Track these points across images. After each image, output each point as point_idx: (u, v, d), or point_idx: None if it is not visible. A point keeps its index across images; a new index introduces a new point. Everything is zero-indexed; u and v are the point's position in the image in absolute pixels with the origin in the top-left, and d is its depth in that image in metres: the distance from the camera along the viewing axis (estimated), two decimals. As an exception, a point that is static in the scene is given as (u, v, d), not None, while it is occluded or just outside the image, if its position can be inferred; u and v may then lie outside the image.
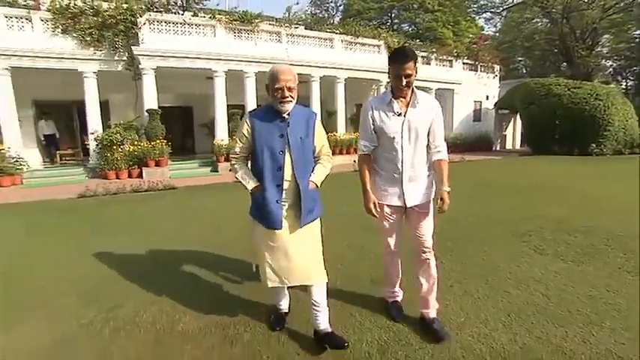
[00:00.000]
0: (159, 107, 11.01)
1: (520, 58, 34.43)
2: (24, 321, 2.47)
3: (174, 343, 2.20)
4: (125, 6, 10.55)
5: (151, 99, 10.84)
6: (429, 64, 16.43)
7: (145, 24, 10.44)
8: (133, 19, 10.43)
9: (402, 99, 2.17)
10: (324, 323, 2.16)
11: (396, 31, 34.29)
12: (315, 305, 2.15)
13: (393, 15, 35.71)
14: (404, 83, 2.06)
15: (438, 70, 16.82)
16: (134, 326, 2.38)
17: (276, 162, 2.04)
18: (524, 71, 34.82)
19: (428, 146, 2.24)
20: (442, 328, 2.22)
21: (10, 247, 4.23)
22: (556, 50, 26.74)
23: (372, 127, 2.22)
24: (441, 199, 2.14)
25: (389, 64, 2.14)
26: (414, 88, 2.16)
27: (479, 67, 18.34)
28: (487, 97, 18.65)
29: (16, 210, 6.40)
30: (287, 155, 2.05)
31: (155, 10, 10.78)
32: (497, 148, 19.26)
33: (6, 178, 9.18)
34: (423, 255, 2.27)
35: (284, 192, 2.08)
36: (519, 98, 15.44)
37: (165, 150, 10.64)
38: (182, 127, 15.31)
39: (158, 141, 10.59)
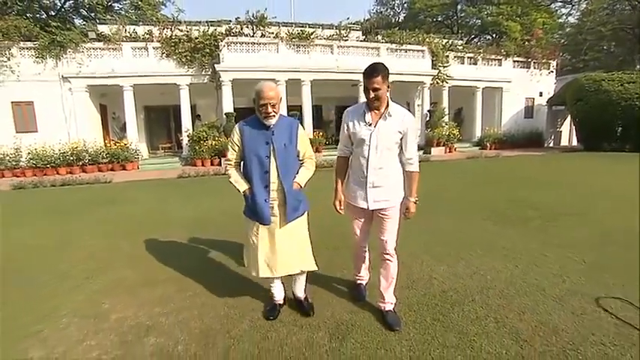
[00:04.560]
0: (234, 109, 13.84)
1: (604, 47, 31.56)
2: (148, 236, 4.78)
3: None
4: (210, 32, 13.56)
5: (228, 104, 13.73)
6: (476, 64, 17.10)
7: (224, 46, 13.34)
8: (215, 42, 13.43)
9: (375, 110, 2.30)
10: (299, 291, 2.63)
11: (462, 26, 33.86)
12: (295, 280, 2.62)
13: (458, 10, 34.84)
14: (372, 96, 2.21)
15: (485, 70, 17.34)
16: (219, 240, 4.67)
17: (263, 166, 2.30)
18: (595, 64, 31.84)
19: (401, 157, 2.38)
20: (394, 320, 2.44)
21: (144, 203, 6.98)
22: (635, 40, 24.51)
23: (347, 133, 2.42)
24: (407, 208, 2.34)
25: (363, 78, 2.25)
26: (390, 102, 2.29)
27: (531, 64, 18.28)
28: (540, 94, 18.48)
29: (141, 184, 9.50)
30: (272, 160, 2.30)
31: (232, 34, 13.58)
32: (550, 145, 18.99)
33: (129, 164, 12.77)
34: (385, 256, 2.46)
35: (271, 192, 2.32)
36: (570, 94, 15.40)
37: (239, 144, 13.37)
38: (253, 125, 18.14)
39: (233, 137, 13.36)
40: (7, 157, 11.99)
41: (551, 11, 29.49)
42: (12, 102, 12.51)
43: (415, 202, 2.34)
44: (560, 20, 29.97)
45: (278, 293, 2.61)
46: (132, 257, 3.95)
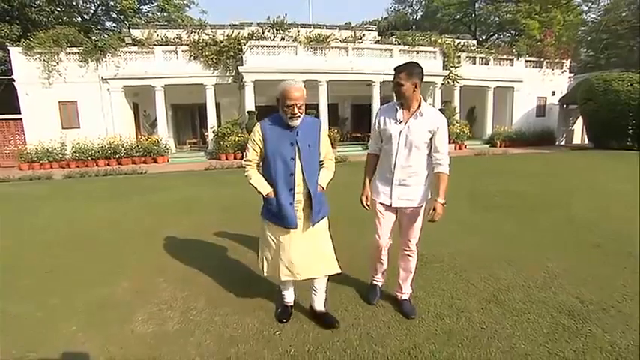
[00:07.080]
0: (255, 107, 14.89)
1: (627, 44, 30.93)
2: (190, 216, 5.87)
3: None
4: (234, 35, 14.63)
5: (250, 103, 14.79)
6: (487, 64, 17.57)
7: (247, 49, 14.40)
8: (239, 46, 14.52)
9: (407, 109, 2.32)
10: (319, 305, 2.50)
11: (480, 23, 33.78)
12: (314, 290, 2.48)
13: (475, 8, 34.67)
14: (395, 90, 2.30)
15: (496, 70, 17.76)
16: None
17: (288, 168, 2.22)
18: (616, 62, 31.16)
19: (430, 157, 2.36)
20: (410, 308, 2.57)
21: (180, 191, 8.06)
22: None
23: (377, 130, 2.44)
24: (434, 209, 2.26)
25: None
26: (422, 102, 2.30)
27: (544, 63, 18.54)
28: (553, 93, 18.76)
29: (174, 175, 10.65)
30: (297, 162, 2.22)
31: (254, 38, 14.62)
32: (562, 143, 19.21)
33: (160, 157, 14.05)
34: (406, 252, 2.55)
35: (296, 195, 2.25)
36: (580, 94, 15.70)
37: (259, 140, 14.43)
38: (273, 122, 19.21)
39: (254, 134, 14.41)
40: (55, 151, 13.47)
41: (572, 7, 29.13)
42: (59, 101, 14.03)
43: (443, 205, 2.28)
44: (580, 17, 29.61)
45: (289, 296, 2.61)
46: (177, 230, 4.96)
